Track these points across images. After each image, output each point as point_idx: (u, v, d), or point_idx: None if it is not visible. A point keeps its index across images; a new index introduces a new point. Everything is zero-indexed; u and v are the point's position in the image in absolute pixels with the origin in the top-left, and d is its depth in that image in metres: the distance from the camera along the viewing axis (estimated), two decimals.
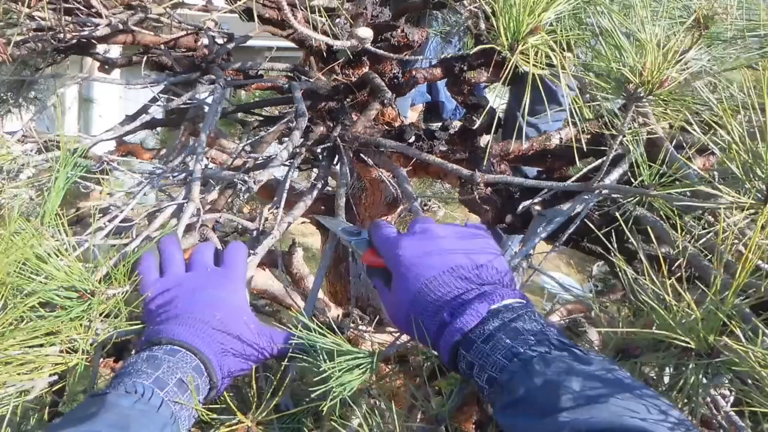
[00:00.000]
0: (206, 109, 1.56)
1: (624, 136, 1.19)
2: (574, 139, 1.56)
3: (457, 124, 1.81)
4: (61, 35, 1.32)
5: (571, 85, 2.66)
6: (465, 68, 1.69)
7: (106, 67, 1.80)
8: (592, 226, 1.26)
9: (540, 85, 2.33)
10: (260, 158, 1.33)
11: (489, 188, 1.44)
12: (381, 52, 1.42)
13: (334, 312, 1.77)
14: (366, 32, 1.30)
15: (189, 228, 1.19)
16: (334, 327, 1.11)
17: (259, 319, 1.07)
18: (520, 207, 1.32)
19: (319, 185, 1.31)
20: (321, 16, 1.29)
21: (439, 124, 1.69)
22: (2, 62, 1.22)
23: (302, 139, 1.34)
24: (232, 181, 1.22)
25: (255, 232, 1.24)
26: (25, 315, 0.95)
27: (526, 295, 0.98)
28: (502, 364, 0.86)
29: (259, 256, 1.21)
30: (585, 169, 1.32)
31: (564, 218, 1.28)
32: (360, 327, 1.81)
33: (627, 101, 1.13)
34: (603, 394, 0.78)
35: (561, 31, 1.15)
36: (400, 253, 1.01)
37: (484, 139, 1.96)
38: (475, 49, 1.19)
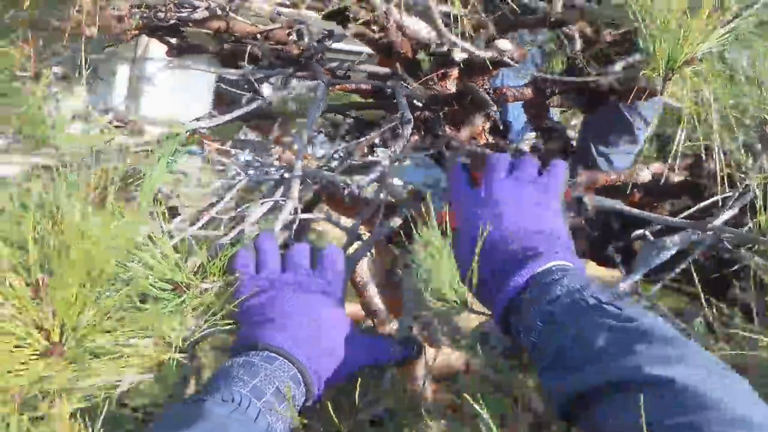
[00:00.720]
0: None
1: (749, 178, 1.13)
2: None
3: (525, 146, 1.76)
4: (162, 14, 1.26)
5: (648, 119, 2.62)
6: (556, 91, 1.64)
7: (174, 50, 1.75)
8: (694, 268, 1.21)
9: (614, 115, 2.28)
10: (357, 162, 1.27)
11: (581, 218, 1.38)
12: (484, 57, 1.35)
13: (395, 324, 1.70)
14: (506, 44, 1.25)
15: (285, 226, 1.13)
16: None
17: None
18: (633, 234, 1.26)
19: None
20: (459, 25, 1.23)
21: (523, 144, 1.65)
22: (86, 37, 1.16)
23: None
24: (331, 182, 1.15)
25: (350, 237, 1.17)
26: (118, 305, 0.88)
27: None
28: (539, 329, 0.88)
29: (360, 263, 1.15)
30: (697, 206, 1.25)
31: (673, 253, 1.23)
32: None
33: (762, 143, 1.08)
34: (629, 346, 0.78)
35: (709, 63, 1.09)
36: (460, 207, 1.06)
37: None
38: (616, 69, 1.12)
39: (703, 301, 1.30)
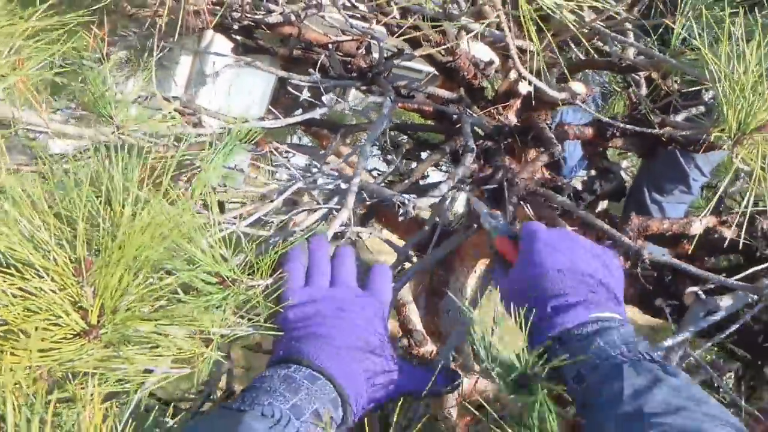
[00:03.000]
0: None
1: None
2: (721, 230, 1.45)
3: (577, 184, 1.71)
4: (237, 14, 1.23)
5: (705, 172, 2.54)
6: (617, 134, 1.58)
7: (240, 49, 1.72)
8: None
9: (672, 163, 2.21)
10: (415, 182, 1.22)
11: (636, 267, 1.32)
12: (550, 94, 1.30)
13: (430, 347, 1.64)
14: (580, 88, 1.20)
15: (336, 236, 1.08)
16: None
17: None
18: (688, 290, 1.20)
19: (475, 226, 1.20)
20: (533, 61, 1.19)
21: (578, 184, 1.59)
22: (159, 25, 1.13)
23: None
24: (388, 199, 1.10)
25: (400, 256, 1.12)
26: (161, 294, 0.84)
27: None
28: (594, 363, 0.87)
29: (401, 283, 1.10)
30: (757, 268, 1.18)
31: (725, 314, 1.16)
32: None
33: None
34: (686, 406, 0.79)
35: None
36: (536, 240, 1.03)
37: (602, 204, 1.85)
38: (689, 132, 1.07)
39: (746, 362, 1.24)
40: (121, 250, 0.76)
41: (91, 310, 0.75)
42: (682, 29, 1.30)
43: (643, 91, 1.63)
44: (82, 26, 1.04)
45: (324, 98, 1.74)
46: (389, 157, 2.12)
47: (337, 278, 1.00)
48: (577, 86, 1.23)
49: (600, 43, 1.60)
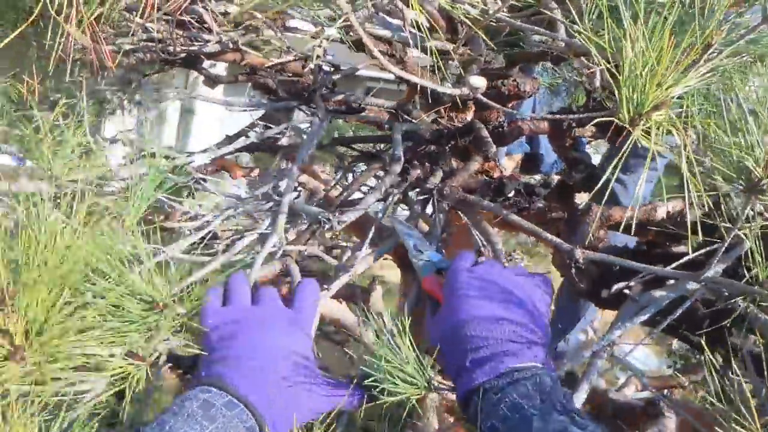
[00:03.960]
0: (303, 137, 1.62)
1: (739, 228, 1.16)
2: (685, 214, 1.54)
3: (554, 178, 1.81)
4: (171, 48, 1.39)
5: (668, 145, 2.60)
6: (574, 125, 1.70)
7: (211, 81, 1.89)
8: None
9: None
10: (352, 193, 1.37)
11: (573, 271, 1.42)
12: (489, 102, 1.43)
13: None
14: (479, 81, 1.33)
15: (270, 256, 1.23)
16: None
17: (325, 348, 1.09)
18: (614, 288, 1.31)
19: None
20: (434, 58, 1.32)
21: (538, 177, 1.70)
22: (108, 68, 1.29)
23: (399, 179, 1.38)
24: (312, 217, 1.25)
25: (337, 266, 1.27)
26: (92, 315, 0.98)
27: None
28: (505, 415, 0.95)
29: (331, 292, 1.24)
30: (690, 255, 1.29)
31: (657, 308, 1.27)
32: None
33: (747, 191, 1.11)
34: None
35: (687, 104, 1.13)
36: (458, 284, 1.10)
37: (581, 196, 1.95)
38: (594, 121, 1.17)
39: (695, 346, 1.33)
40: (41, 275, 0.92)
41: (16, 334, 0.90)
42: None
43: (597, 80, 1.74)
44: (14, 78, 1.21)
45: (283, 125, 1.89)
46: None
47: (260, 297, 1.10)
48: (476, 80, 1.35)
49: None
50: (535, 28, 1.34)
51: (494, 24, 1.39)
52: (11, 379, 0.89)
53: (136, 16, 1.28)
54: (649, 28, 1.07)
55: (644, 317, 1.25)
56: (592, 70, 1.77)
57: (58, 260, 0.95)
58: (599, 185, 2.49)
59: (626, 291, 1.32)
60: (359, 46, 1.66)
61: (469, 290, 1.09)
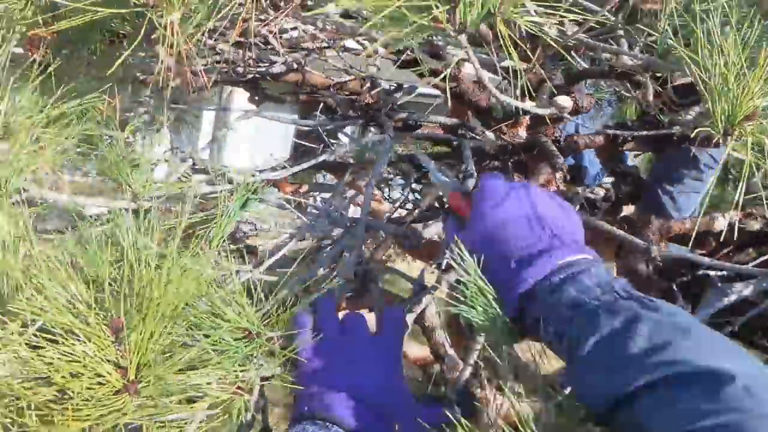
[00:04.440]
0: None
1: None
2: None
3: (599, 191, 1.79)
4: (240, 69, 1.37)
5: (717, 157, 2.59)
6: (629, 139, 1.68)
7: (256, 98, 1.87)
8: None
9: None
10: (423, 212, 1.34)
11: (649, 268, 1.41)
12: (544, 112, 1.40)
13: (467, 370, 1.74)
14: (566, 101, 1.30)
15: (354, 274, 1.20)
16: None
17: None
18: (700, 272, 1.28)
19: None
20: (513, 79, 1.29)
21: (600, 192, 1.69)
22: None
23: None
24: (392, 234, 1.23)
25: (415, 287, 1.24)
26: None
27: None
28: (568, 316, 0.87)
29: (415, 314, 1.21)
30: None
31: (738, 300, 1.25)
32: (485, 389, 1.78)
33: None
34: (672, 340, 0.78)
35: None
36: (492, 190, 1.03)
37: (628, 209, 1.93)
38: (693, 133, 1.15)
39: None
40: (149, 310, 0.89)
41: (129, 368, 0.88)
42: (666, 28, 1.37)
43: (650, 93, 1.72)
44: (97, 98, 1.19)
45: (342, 138, 1.87)
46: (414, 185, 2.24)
47: (348, 330, 1.06)
48: (563, 100, 1.32)
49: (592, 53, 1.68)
50: (615, 47, 1.31)
51: (568, 43, 1.36)
52: (126, 412, 0.86)
53: (206, 36, 1.26)
54: (740, 41, 1.04)
55: (726, 303, 1.23)
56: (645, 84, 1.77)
57: (160, 292, 0.92)
58: (648, 197, 2.49)
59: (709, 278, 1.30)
60: (404, 64, 1.65)
61: (503, 194, 1.02)
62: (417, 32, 0.71)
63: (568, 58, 1.27)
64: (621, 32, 1.45)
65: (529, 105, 1.19)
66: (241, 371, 1.01)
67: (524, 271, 0.93)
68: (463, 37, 0.74)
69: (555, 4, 0.97)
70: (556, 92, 1.44)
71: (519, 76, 1.07)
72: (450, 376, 1.74)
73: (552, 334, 0.90)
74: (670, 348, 0.77)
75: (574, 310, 0.87)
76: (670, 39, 1.21)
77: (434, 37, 1.35)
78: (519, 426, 1.20)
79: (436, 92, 1.82)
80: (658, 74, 1.66)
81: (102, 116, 1.26)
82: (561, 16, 1.12)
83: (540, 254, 0.93)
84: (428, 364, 1.79)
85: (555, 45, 1.12)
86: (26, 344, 0.84)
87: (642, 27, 1.38)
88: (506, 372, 2.00)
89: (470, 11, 0.71)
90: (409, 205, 1.83)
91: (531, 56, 1.30)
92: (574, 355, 0.85)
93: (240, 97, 2.19)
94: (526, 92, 1.26)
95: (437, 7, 0.67)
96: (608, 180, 2.28)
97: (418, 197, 1.53)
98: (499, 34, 0.88)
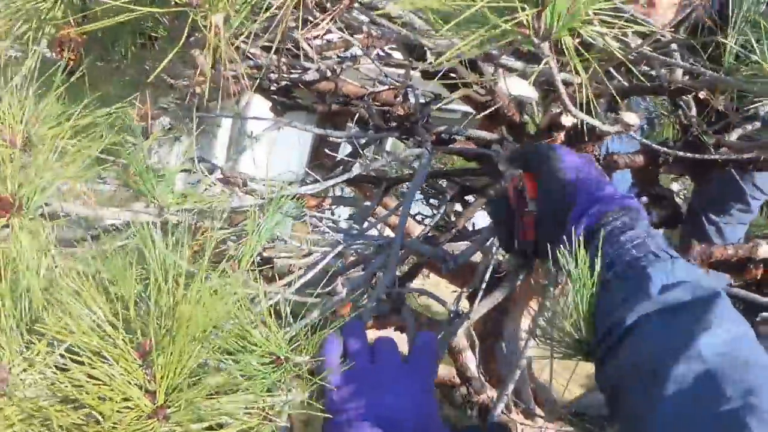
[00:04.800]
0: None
1: None
2: None
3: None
4: (273, 75, 1.30)
5: (765, 190, 2.53)
6: (670, 160, 1.61)
7: (278, 108, 1.80)
8: None
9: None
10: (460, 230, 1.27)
11: None
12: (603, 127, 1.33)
13: (489, 393, 1.68)
14: (633, 119, 1.23)
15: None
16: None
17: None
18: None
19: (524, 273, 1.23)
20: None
21: None
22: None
23: None
24: (430, 255, 1.15)
25: (451, 314, 1.17)
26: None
27: None
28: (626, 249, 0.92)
29: (452, 339, 1.14)
30: None
31: None
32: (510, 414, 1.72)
33: None
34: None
35: None
36: (555, 153, 1.10)
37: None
38: None
39: None
40: (180, 330, 0.82)
41: (158, 392, 0.81)
42: (734, 43, 1.32)
43: (693, 112, 1.65)
44: (127, 104, 1.12)
45: (364, 151, 1.80)
46: (431, 200, 2.16)
47: (378, 355, 1.01)
48: (630, 117, 1.25)
49: (646, 68, 1.62)
50: (680, 62, 1.23)
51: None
52: None
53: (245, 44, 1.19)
54: None
55: None
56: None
57: (189, 313, 0.85)
58: (688, 223, 2.43)
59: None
60: (430, 75, 1.59)
61: (564, 153, 1.10)
62: (499, 37, 0.64)
63: (634, 71, 1.20)
64: (675, 48, 1.38)
65: (593, 121, 1.11)
66: (270, 397, 0.94)
67: (594, 207, 0.99)
68: (545, 45, 0.67)
69: (617, 14, 0.91)
70: (619, 106, 1.37)
71: (582, 90, 1.01)
72: (475, 399, 1.68)
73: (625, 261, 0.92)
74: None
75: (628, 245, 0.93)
76: (751, 53, 1.13)
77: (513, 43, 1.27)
78: None
79: (458, 107, 1.76)
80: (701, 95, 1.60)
81: (134, 124, 1.19)
82: (622, 27, 1.07)
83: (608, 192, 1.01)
84: (452, 386, 1.72)
85: (620, 57, 1.06)
86: (54, 365, 0.78)
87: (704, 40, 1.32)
88: (528, 396, 1.95)
89: (557, 17, 0.64)
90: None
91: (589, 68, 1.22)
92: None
93: (259, 104, 2.13)
94: (583, 107, 1.18)
95: (523, 10, 0.61)
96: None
97: (451, 218, 1.46)
98: (562, 44, 0.81)
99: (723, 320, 0.80)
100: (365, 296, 1.14)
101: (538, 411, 1.85)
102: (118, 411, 0.77)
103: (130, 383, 0.79)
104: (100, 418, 0.76)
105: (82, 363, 0.78)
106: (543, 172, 1.09)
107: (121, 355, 0.79)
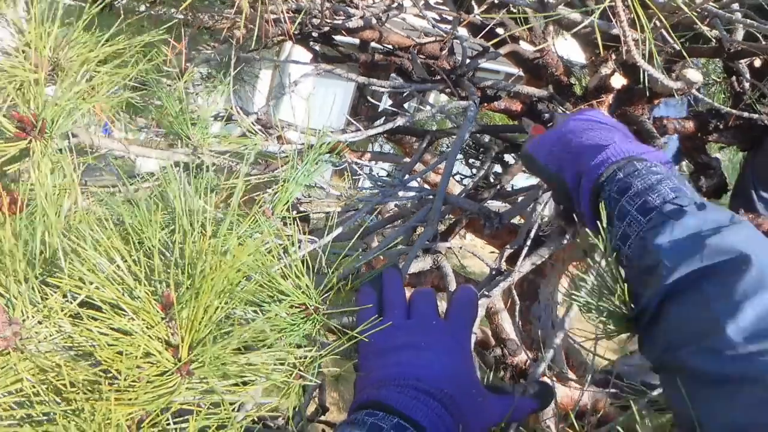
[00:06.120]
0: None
1: None
2: None
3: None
4: (315, 21, 1.20)
5: None
6: (721, 126, 1.49)
7: (319, 60, 1.70)
8: None
9: None
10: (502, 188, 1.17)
11: None
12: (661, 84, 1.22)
13: (524, 356, 1.59)
14: (696, 76, 1.12)
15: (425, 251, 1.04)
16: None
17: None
18: None
19: (570, 233, 1.13)
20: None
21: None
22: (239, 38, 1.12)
23: None
24: (474, 212, 1.05)
25: (493, 271, 1.07)
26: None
27: None
28: (668, 195, 0.85)
29: (492, 299, 1.04)
30: None
31: None
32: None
33: None
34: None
35: None
36: (571, 115, 1.04)
37: None
38: None
39: None
40: (205, 281, 0.74)
41: (181, 346, 0.73)
42: None
43: (747, 79, 1.53)
44: (161, 42, 1.02)
45: (406, 104, 1.70)
46: (471, 160, 2.05)
47: (415, 311, 0.93)
48: (693, 73, 1.14)
49: (706, 28, 1.50)
50: (743, 19, 1.11)
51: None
52: (180, 393, 0.72)
53: None
54: None
55: None
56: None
57: (216, 262, 0.76)
58: (737, 197, 2.31)
59: None
60: (477, 29, 1.48)
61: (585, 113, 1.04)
62: None
63: (702, 28, 1.08)
64: (737, 8, 1.26)
65: (660, 75, 1.00)
66: (301, 352, 0.86)
67: (603, 152, 0.93)
68: None
69: None
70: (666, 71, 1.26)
71: (648, 45, 0.90)
72: (510, 361, 1.59)
73: (637, 206, 0.87)
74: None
75: (675, 191, 0.85)
76: None
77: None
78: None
79: (501, 68, 1.65)
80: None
81: (167, 60, 1.10)
82: None
83: (618, 142, 0.94)
84: (487, 347, 1.64)
85: (688, 12, 0.94)
86: (70, 316, 0.70)
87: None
88: (561, 360, 1.86)
89: None
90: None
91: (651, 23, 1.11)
92: (665, 224, 0.83)
93: (300, 56, 2.02)
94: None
95: None
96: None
97: (491, 179, 1.36)
98: None
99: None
100: (402, 253, 1.05)
101: (571, 375, 1.77)
102: (137, 366, 0.69)
103: (151, 338, 0.71)
104: (117, 374, 0.68)
105: (99, 317, 0.69)
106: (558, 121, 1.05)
107: (142, 307, 0.71)
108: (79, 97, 0.81)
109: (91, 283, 0.69)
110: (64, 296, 0.70)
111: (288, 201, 1.00)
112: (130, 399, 0.68)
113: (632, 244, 0.87)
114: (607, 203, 0.90)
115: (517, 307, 1.49)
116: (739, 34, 1.37)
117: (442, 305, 0.96)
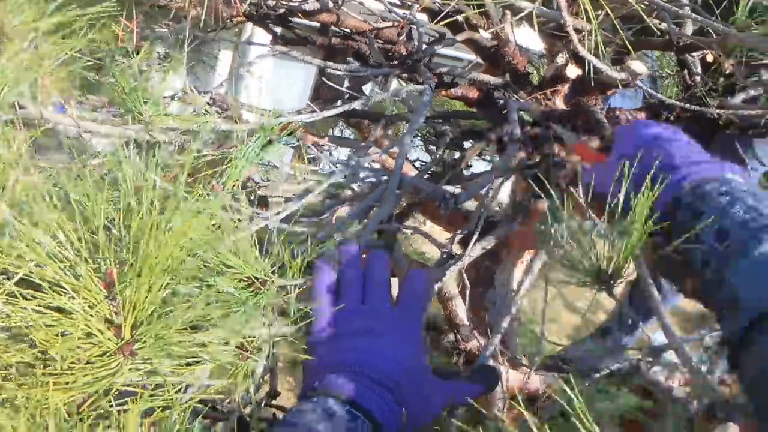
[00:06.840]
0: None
1: None
2: None
3: None
4: (271, 2, 1.17)
5: (765, 161, 2.42)
6: (672, 118, 1.50)
7: (279, 42, 1.67)
8: None
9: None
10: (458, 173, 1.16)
11: None
12: (612, 76, 1.21)
13: (476, 342, 1.58)
14: (641, 67, 1.11)
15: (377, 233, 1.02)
16: None
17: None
18: None
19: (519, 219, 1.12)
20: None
21: None
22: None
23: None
24: (429, 193, 1.04)
25: (444, 255, 1.06)
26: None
27: None
28: (743, 219, 0.82)
29: (445, 284, 1.03)
30: None
31: None
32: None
33: None
34: None
35: None
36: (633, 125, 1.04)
37: None
38: None
39: None
40: (148, 258, 0.71)
41: (123, 326, 0.70)
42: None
43: (698, 72, 1.54)
44: (111, 18, 0.99)
45: (365, 88, 1.68)
46: (431, 147, 2.04)
47: (369, 294, 0.92)
48: (637, 65, 1.14)
49: (657, 21, 1.51)
50: (698, 17, 1.10)
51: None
52: (122, 374, 0.69)
53: None
54: None
55: None
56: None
57: (161, 239, 0.73)
58: None
59: None
60: (435, 15, 1.46)
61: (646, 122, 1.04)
62: None
63: (649, 21, 1.07)
64: (686, 2, 1.26)
65: (604, 67, 0.99)
66: (249, 330, 0.83)
67: (691, 167, 0.91)
68: None
69: None
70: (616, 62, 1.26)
71: (591, 37, 0.89)
72: (463, 347, 1.59)
73: (715, 229, 0.84)
74: None
75: (750, 213, 0.83)
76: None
77: None
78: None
79: (464, 55, 1.64)
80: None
81: (119, 38, 1.06)
82: None
83: (699, 163, 0.92)
84: (441, 331, 1.63)
85: (634, 4, 0.94)
86: (7, 295, 0.66)
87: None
88: (515, 346, 1.86)
89: None
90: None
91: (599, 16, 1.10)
92: (741, 254, 0.81)
93: (261, 38, 1.99)
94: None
95: None
96: None
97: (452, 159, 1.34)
98: None
99: None
100: (358, 235, 1.03)
101: (524, 361, 1.77)
102: (78, 347, 0.66)
103: (92, 317, 0.68)
104: (55, 357, 0.65)
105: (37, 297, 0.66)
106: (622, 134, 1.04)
107: (84, 286, 0.68)
108: (26, 67, 0.77)
109: (31, 260, 0.66)
110: (2, 274, 0.67)
111: (238, 178, 0.98)
112: (68, 383, 0.65)
113: (708, 271, 0.85)
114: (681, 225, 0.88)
115: (467, 292, 1.48)
116: (689, 28, 1.37)
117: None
